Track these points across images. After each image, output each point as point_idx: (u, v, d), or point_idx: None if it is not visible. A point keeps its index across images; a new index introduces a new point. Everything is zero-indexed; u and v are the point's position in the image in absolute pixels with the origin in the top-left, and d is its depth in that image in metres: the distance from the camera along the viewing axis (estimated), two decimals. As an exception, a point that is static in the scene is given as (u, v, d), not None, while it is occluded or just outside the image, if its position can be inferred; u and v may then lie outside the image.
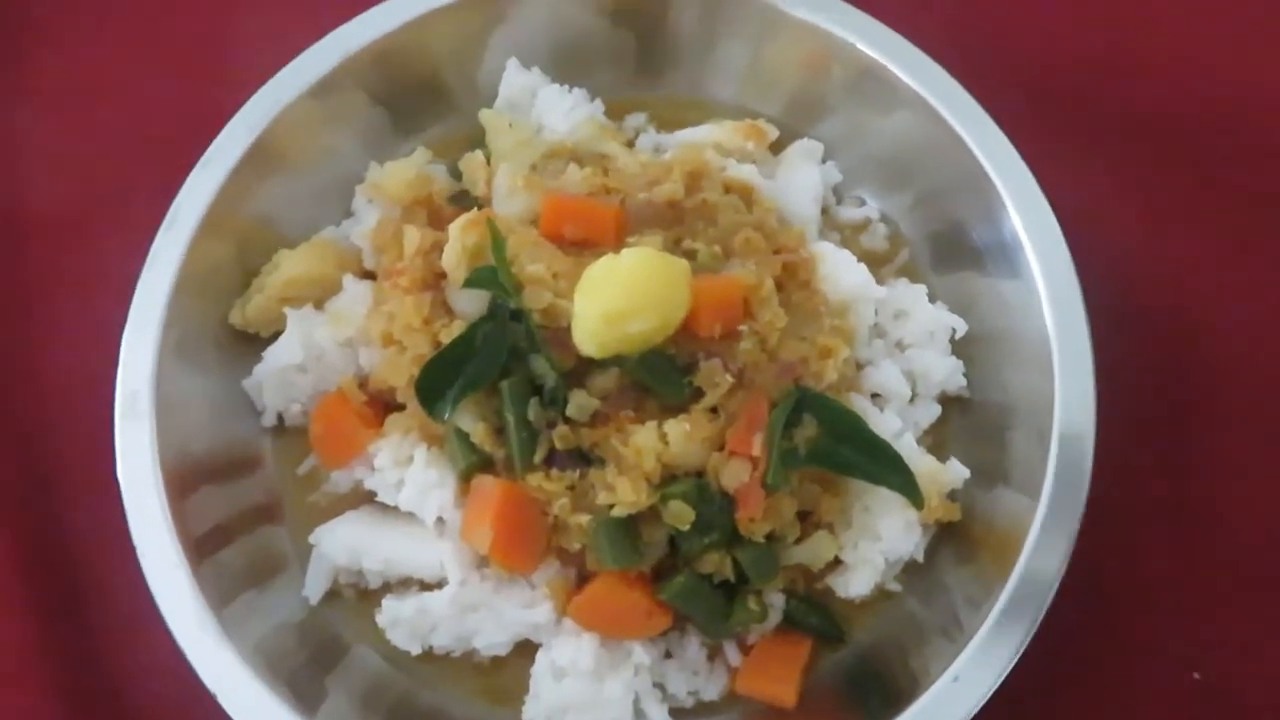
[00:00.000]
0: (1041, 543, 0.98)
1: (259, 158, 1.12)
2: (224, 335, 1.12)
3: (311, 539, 1.06)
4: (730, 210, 1.08)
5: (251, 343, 1.13)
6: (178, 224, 1.08)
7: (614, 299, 0.94)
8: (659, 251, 0.99)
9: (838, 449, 0.99)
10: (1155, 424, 1.16)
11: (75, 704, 1.06)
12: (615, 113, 1.23)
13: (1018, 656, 0.94)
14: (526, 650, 1.03)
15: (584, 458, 0.98)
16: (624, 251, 0.97)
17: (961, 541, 1.07)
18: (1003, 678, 0.94)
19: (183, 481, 1.02)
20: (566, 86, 1.21)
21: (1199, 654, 1.08)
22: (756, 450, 0.95)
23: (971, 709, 0.93)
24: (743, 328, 1.00)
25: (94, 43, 1.33)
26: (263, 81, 1.13)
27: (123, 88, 1.31)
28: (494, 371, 0.99)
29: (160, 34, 1.34)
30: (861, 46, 1.15)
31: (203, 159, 1.10)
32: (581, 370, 0.99)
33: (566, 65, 1.23)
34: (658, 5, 1.22)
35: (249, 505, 1.09)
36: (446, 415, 0.99)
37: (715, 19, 1.22)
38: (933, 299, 1.14)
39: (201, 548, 1.01)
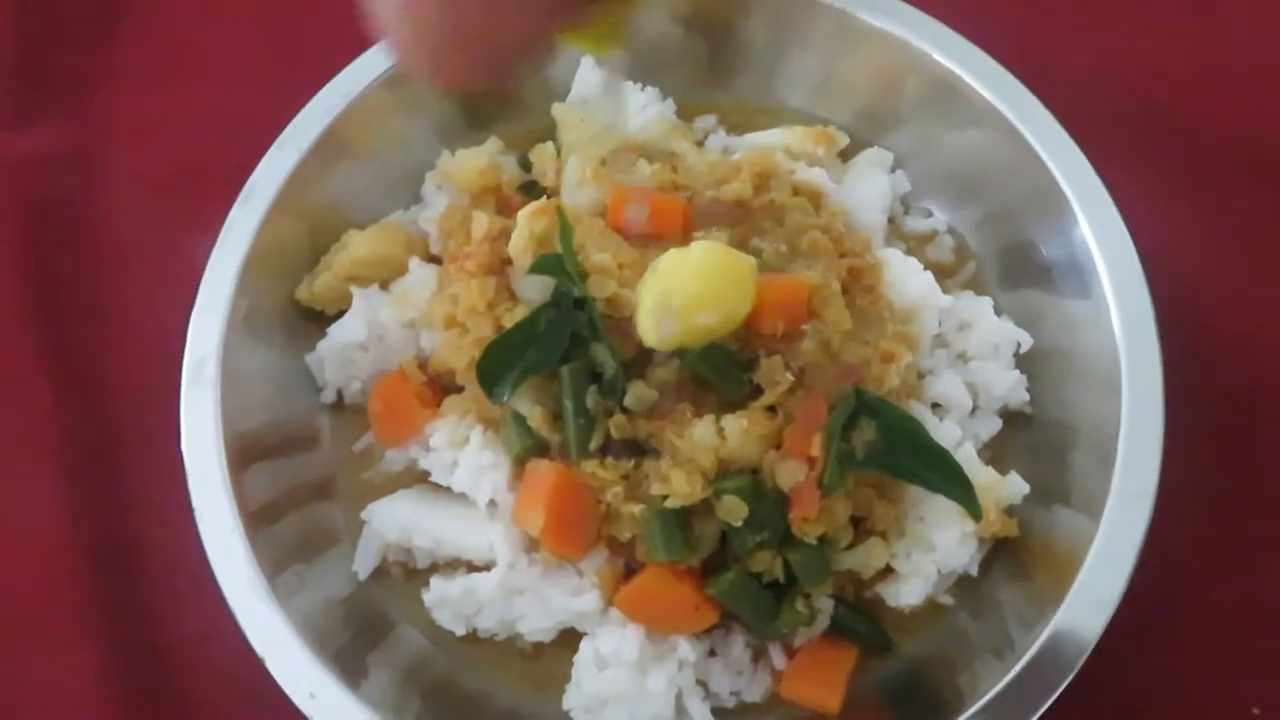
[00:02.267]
0: (1099, 565, 0.96)
1: (333, 142, 1.14)
2: (290, 311, 1.14)
3: (364, 515, 1.07)
4: (798, 212, 1.08)
5: (316, 320, 1.14)
6: (252, 200, 1.10)
7: (681, 291, 0.94)
8: (726, 246, 0.99)
9: (896, 454, 0.97)
10: (1221, 452, 1.13)
11: (127, 665, 1.07)
12: (685, 114, 1.24)
13: (1071, 678, 0.92)
14: (569, 638, 1.03)
15: (639, 448, 0.98)
16: (692, 244, 0.97)
17: (1016, 558, 1.06)
18: (1054, 699, 0.91)
19: (243, 452, 1.04)
20: (639, 85, 1.22)
21: (1260, 689, 1.05)
22: (814, 450, 0.95)
23: None
24: (806, 328, 0.99)
25: (178, 24, 1.37)
26: (339, 69, 1.16)
27: (204, 68, 1.35)
28: (555, 358, 0.99)
29: (242, 18, 1.37)
30: (938, 57, 1.15)
31: (279, 139, 1.13)
32: (641, 361, 0.99)
33: (639, 66, 1.24)
34: (729, 12, 1.22)
35: (305, 479, 1.10)
36: (505, 398, 0.99)
37: (787, 28, 1.22)
38: (997, 313, 1.13)
39: (257, 518, 1.02)
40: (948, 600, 1.05)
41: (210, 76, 1.34)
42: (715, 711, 1.00)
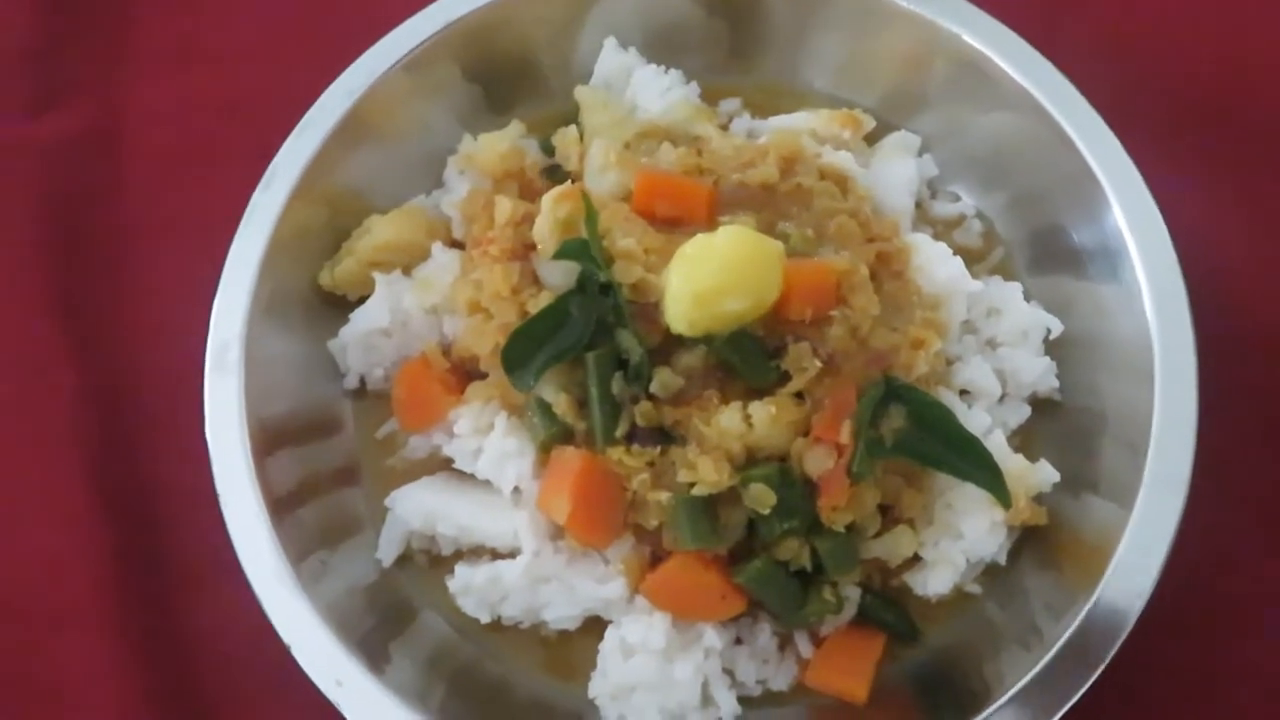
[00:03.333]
0: (1130, 556, 0.95)
1: (354, 126, 1.13)
2: (312, 296, 1.14)
3: (387, 502, 1.06)
4: (825, 196, 1.07)
5: (338, 305, 1.13)
6: (274, 184, 1.09)
7: (708, 276, 0.94)
8: (754, 231, 0.98)
9: (925, 441, 0.97)
10: (1256, 443, 1.12)
11: (151, 654, 1.07)
12: (709, 97, 1.22)
13: (1103, 668, 0.91)
14: (595, 627, 1.02)
15: (665, 435, 0.97)
16: (719, 230, 0.97)
17: (1045, 547, 1.04)
18: (1085, 689, 0.91)
19: (266, 438, 1.03)
20: (662, 68, 1.21)
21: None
22: (843, 437, 0.94)
23: (1053, 718, 0.90)
24: (834, 313, 0.98)
25: (198, 9, 1.36)
26: (358, 54, 1.15)
27: (223, 54, 1.34)
28: (580, 344, 0.98)
29: (261, 2, 1.36)
30: (966, 38, 1.13)
31: (300, 124, 1.12)
32: (667, 347, 0.98)
33: (660, 49, 1.23)
34: (752, -8, 1.21)
35: (328, 466, 1.10)
36: (530, 384, 0.98)
37: (811, 9, 1.21)
38: (1027, 299, 1.11)
39: (281, 505, 1.01)
40: (975, 589, 1.04)
41: (230, 60, 1.33)
42: (741, 700, 1.00)
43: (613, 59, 1.21)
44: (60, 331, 1.19)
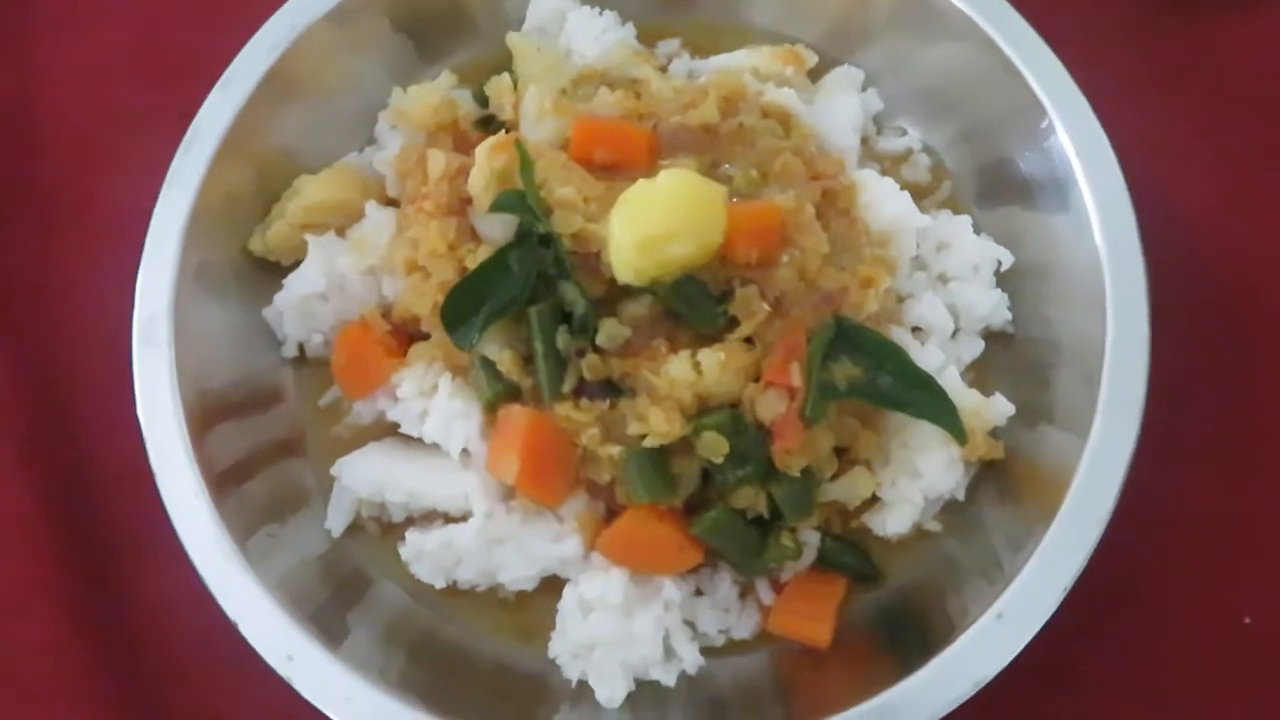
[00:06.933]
0: (1089, 482, 0.94)
1: (279, 82, 1.10)
2: (244, 263, 1.11)
3: (334, 471, 1.05)
4: (768, 135, 1.05)
5: (272, 271, 1.10)
6: (197, 144, 1.06)
7: (651, 222, 0.92)
8: (696, 174, 0.95)
9: (879, 381, 0.96)
10: (1208, 365, 1.11)
11: (95, 638, 1.05)
12: (647, 38, 1.19)
13: (1064, 595, 0.91)
14: (553, 586, 1.01)
15: (614, 388, 0.96)
16: (660, 174, 0.94)
17: (1003, 481, 1.04)
18: (1049, 616, 0.90)
19: (204, 413, 1.01)
20: (597, 10, 1.17)
21: (1250, 599, 1.04)
22: (795, 381, 0.93)
23: (1017, 647, 0.90)
24: (782, 255, 0.96)
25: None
26: (279, 6, 1.10)
27: (135, 10, 1.28)
28: (522, 298, 0.96)
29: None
30: (909, -33, 1.10)
31: (222, 78, 1.08)
32: (612, 297, 0.96)
33: (595, -11, 1.19)
34: (688, -71, 1.17)
35: (270, 438, 1.08)
36: (473, 343, 0.96)
37: (750, -59, 1.17)
38: (976, 232, 1.10)
39: (223, 480, 0.99)
40: (935, 527, 1.04)
41: (144, 17, 1.27)
42: (704, 651, 0.99)
43: (546, 2, 1.17)
44: (-22, 312, 1.15)
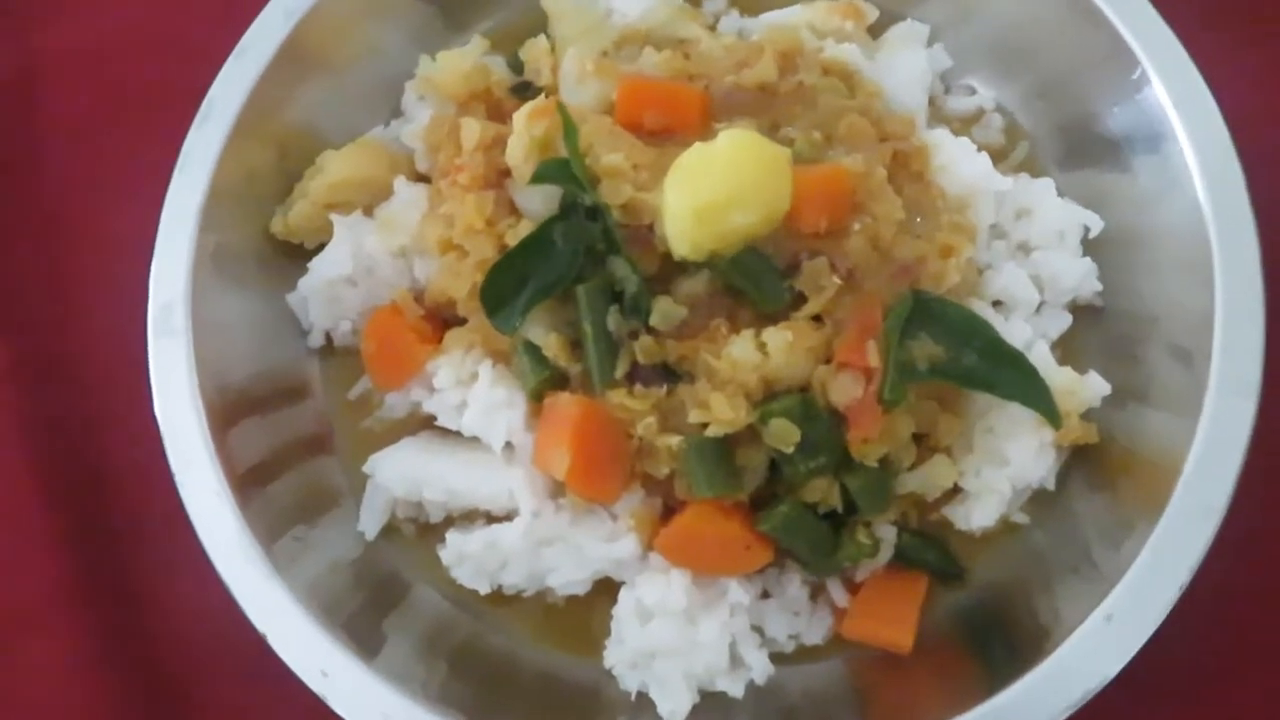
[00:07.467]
0: (1202, 469, 0.87)
1: (297, 52, 1.05)
2: (265, 247, 1.06)
3: (366, 469, 1.00)
4: (830, 94, 0.99)
5: (295, 255, 1.06)
6: (211, 119, 1.02)
7: (710, 189, 0.85)
8: (757, 135, 0.88)
9: (963, 360, 0.89)
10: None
11: (114, 651, 1.01)
12: (691, -5, 1.12)
13: (1180, 594, 0.83)
14: (606, 590, 0.96)
15: (671, 373, 0.91)
16: (719, 136, 0.88)
17: (1094, 468, 0.97)
18: (1163, 618, 0.83)
19: (225, 408, 0.97)
20: (639, -35, 1.10)
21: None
22: (871, 361, 0.86)
23: (1130, 652, 0.83)
24: (852, 223, 0.90)
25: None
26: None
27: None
28: (568, 276, 0.91)
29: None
30: (974, -94, 1.03)
31: (237, 48, 1.04)
32: (667, 274, 0.91)
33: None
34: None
35: (297, 434, 1.04)
36: (515, 326, 0.92)
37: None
38: (1059, 196, 1.02)
39: (247, 480, 0.95)
40: (1022, 519, 0.97)
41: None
42: (773, 658, 0.94)
43: (580, -39, 1.10)
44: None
